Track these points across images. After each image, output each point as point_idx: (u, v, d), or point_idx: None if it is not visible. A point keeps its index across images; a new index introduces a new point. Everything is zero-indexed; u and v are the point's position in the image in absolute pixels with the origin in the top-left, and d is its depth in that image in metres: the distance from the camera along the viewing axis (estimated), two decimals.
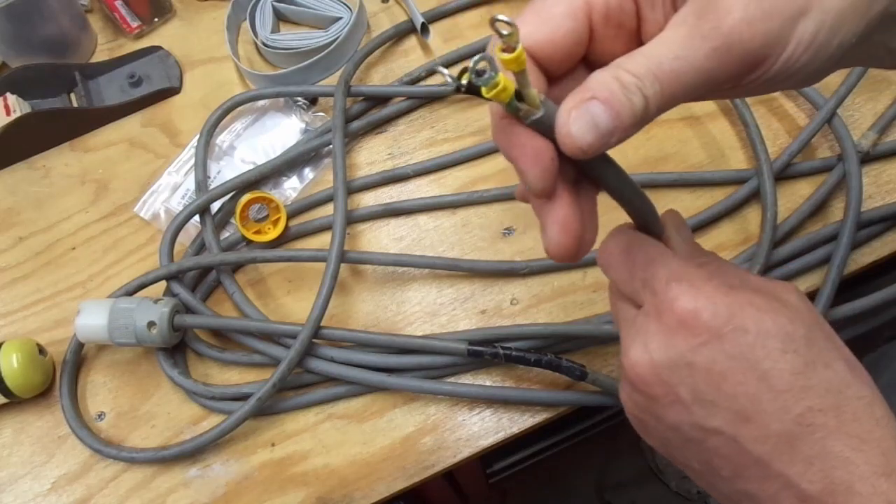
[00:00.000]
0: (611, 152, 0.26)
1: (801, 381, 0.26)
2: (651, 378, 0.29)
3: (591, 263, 0.54)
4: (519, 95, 0.24)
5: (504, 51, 0.23)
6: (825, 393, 0.27)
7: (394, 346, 0.51)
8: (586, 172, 0.28)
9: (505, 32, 0.22)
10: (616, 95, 0.24)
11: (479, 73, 0.23)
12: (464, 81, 0.23)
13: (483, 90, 0.23)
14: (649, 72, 0.24)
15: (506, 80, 0.23)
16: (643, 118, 0.24)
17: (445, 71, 0.24)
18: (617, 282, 0.32)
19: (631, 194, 0.30)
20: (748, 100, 0.57)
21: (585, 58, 0.27)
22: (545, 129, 0.25)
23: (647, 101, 0.24)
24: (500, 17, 0.22)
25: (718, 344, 0.27)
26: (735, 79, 0.24)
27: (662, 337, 0.28)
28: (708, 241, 0.54)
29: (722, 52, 0.23)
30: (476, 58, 0.22)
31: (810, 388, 0.26)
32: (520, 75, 0.23)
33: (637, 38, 0.27)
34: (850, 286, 0.53)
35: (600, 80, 0.24)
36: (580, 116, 0.24)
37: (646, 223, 0.32)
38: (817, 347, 0.27)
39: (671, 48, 0.24)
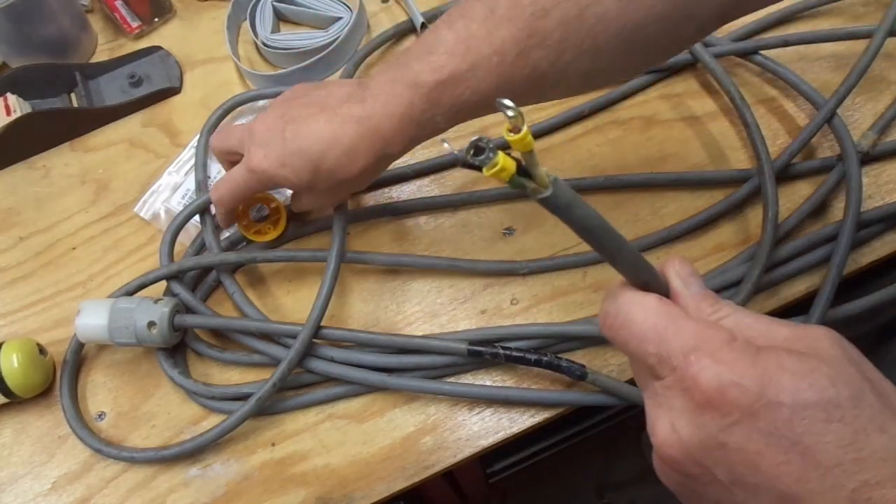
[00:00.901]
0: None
1: (851, 453, 0.23)
2: (684, 459, 0.27)
3: (591, 263, 0.54)
4: (527, 173, 0.24)
5: (510, 131, 0.23)
6: (881, 463, 0.23)
7: (394, 346, 0.51)
8: (561, 218, 0.27)
9: (510, 114, 0.23)
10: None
11: (479, 152, 0.23)
12: (464, 156, 0.24)
13: (483, 169, 0.23)
14: None
15: (505, 161, 0.23)
16: None
17: (447, 145, 0.24)
18: (627, 353, 0.29)
19: (609, 243, 0.28)
20: (748, 99, 0.57)
21: None
22: (553, 207, 0.25)
23: None
24: (505, 101, 0.23)
25: (752, 422, 0.24)
26: None
27: (690, 416, 0.26)
28: (708, 241, 0.54)
29: None
30: (473, 140, 0.23)
31: (863, 460, 0.23)
32: (527, 155, 0.24)
33: None
34: (850, 286, 0.53)
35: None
36: None
37: (643, 281, 0.30)
38: (868, 408, 0.24)
39: None
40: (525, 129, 0.23)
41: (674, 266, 0.31)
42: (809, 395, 0.24)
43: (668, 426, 0.27)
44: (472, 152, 0.23)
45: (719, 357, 0.25)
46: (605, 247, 0.28)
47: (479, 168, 0.23)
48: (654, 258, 0.54)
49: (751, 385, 0.24)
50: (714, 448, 0.25)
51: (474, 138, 0.23)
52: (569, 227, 0.26)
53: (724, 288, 0.51)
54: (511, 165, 0.24)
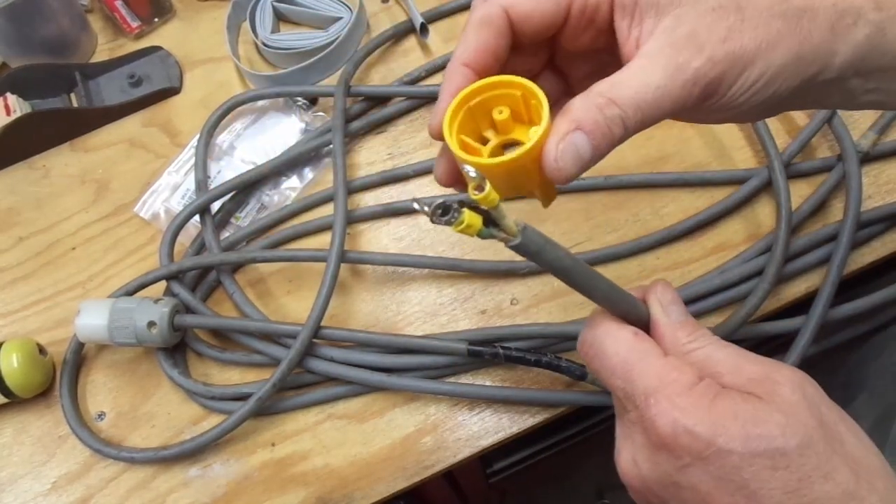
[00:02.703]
0: (611, 153, 0.27)
1: (795, 499, 0.25)
2: (643, 490, 0.29)
3: (591, 263, 0.54)
4: (495, 223, 0.26)
5: (475, 189, 0.24)
6: None
7: (394, 346, 0.51)
8: (534, 261, 0.28)
9: (473, 175, 0.24)
10: (600, 127, 0.25)
11: (445, 212, 0.25)
12: (431, 216, 0.25)
13: (451, 227, 0.25)
14: (633, 102, 0.25)
15: (471, 217, 0.25)
16: (618, 144, 0.26)
17: (416, 205, 0.25)
18: (602, 382, 0.31)
19: (582, 281, 0.29)
20: None
21: (554, 40, 0.29)
22: (524, 253, 0.26)
23: (626, 130, 0.26)
24: (467, 167, 0.24)
25: (703, 465, 0.26)
26: (692, 108, 0.26)
27: (648, 452, 0.28)
28: (708, 240, 0.54)
29: (690, 84, 0.26)
30: (436, 203, 0.24)
31: None
32: (494, 210, 0.25)
33: (603, 38, 0.28)
34: (850, 286, 0.53)
35: (584, 110, 0.25)
36: (567, 149, 0.25)
37: (622, 311, 0.31)
38: (814, 457, 0.25)
39: (652, 79, 0.25)
40: (488, 187, 0.24)
41: (656, 292, 0.32)
42: (758, 445, 0.25)
43: (630, 458, 0.29)
44: (438, 212, 0.25)
45: (677, 402, 0.27)
46: (580, 284, 0.29)
47: (447, 225, 0.25)
48: (653, 258, 0.54)
49: (703, 432, 0.26)
50: (669, 485, 0.27)
51: (439, 200, 0.25)
52: (542, 268, 0.28)
53: (738, 283, 0.51)
54: (477, 221, 0.25)
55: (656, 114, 0.26)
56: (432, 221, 0.25)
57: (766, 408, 0.26)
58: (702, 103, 0.27)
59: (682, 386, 0.27)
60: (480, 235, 0.25)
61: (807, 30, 0.26)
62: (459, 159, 0.26)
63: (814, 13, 0.26)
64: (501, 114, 0.28)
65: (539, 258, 0.27)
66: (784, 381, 0.27)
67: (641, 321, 0.31)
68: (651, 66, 0.26)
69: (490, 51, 0.28)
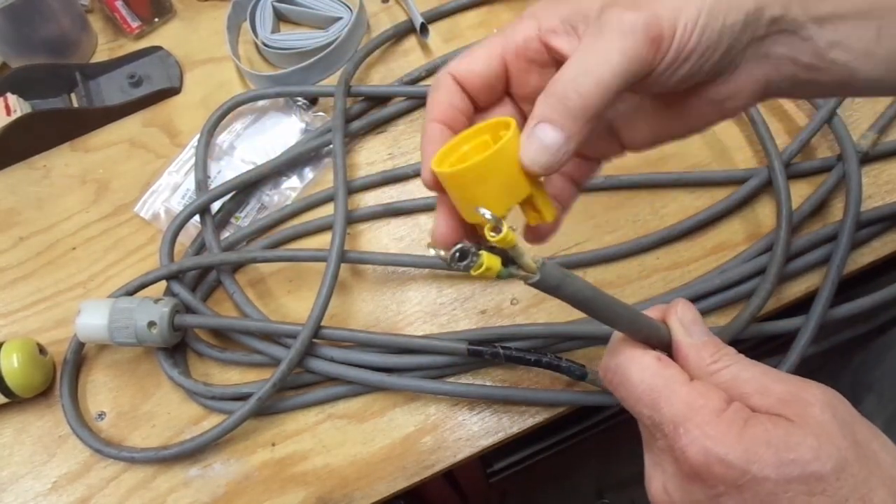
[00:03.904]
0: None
1: None
2: None
3: (591, 263, 0.54)
4: (514, 262, 0.26)
5: (492, 231, 0.25)
6: None
7: (394, 346, 0.51)
8: (554, 296, 0.28)
9: (488, 217, 0.25)
10: (556, 109, 0.26)
11: (463, 257, 0.25)
12: (448, 262, 0.25)
13: (471, 271, 0.25)
14: (581, 71, 0.26)
15: (490, 260, 0.25)
16: (584, 117, 0.26)
17: (433, 252, 0.26)
18: (628, 409, 0.30)
19: (603, 311, 0.29)
20: None
21: (509, 91, 0.31)
22: (544, 289, 0.26)
23: (584, 98, 0.26)
24: (482, 210, 0.25)
25: (737, 494, 0.25)
26: (645, 64, 0.27)
27: (679, 482, 0.27)
28: (708, 240, 0.54)
29: (631, 36, 0.26)
30: (455, 249, 0.25)
31: None
32: (512, 249, 0.25)
33: (551, 72, 0.29)
34: (850, 286, 0.53)
35: (541, 103, 0.27)
36: (530, 142, 0.26)
37: (644, 336, 0.30)
38: (851, 479, 0.25)
39: (597, 44, 0.26)
40: (505, 228, 0.24)
41: (676, 312, 0.31)
42: (792, 470, 0.25)
43: (661, 487, 0.28)
44: (457, 257, 0.25)
45: (707, 431, 0.26)
46: (601, 314, 0.29)
47: (465, 270, 0.25)
48: (653, 258, 0.54)
49: (736, 460, 0.25)
50: None
51: (457, 245, 0.25)
52: (564, 301, 0.28)
53: (738, 283, 0.51)
54: (496, 263, 0.25)
55: (609, 76, 0.26)
56: (450, 267, 0.25)
57: (798, 431, 0.26)
58: (654, 56, 0.27)
59: (711, 412, 0.27)
60: (500, 276, 0.25)
61: None
62: (444, 176, 0.27)
63: None
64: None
65: (559, 292, 0.27)
66: (814, 400, 0.27)
67: (663, 343, 0.31)
68: (592, 40, 0.27)
69: (454, 107, 0.30)
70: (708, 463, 0.26)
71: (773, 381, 0.28)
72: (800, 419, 0.26)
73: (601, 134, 0.33)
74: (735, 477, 0.25)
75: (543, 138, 0.26)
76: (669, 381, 0.28)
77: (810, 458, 0.25)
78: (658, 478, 0.28)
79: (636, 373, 0.29)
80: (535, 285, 0.26)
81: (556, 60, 0.29)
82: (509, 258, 0.26)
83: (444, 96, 0.30)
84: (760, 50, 0.29)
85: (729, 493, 0.26)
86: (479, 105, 0.31)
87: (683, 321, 0.31)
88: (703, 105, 0.30)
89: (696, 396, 0.27)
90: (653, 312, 0.32)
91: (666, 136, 0.32)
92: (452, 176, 0.27)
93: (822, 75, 0.29)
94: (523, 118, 0.32)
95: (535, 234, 0.32)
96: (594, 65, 0.26)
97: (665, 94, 0.30)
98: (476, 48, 0.30)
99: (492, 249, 0.25)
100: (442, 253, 0.25)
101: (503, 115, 0.32)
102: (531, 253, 0.26)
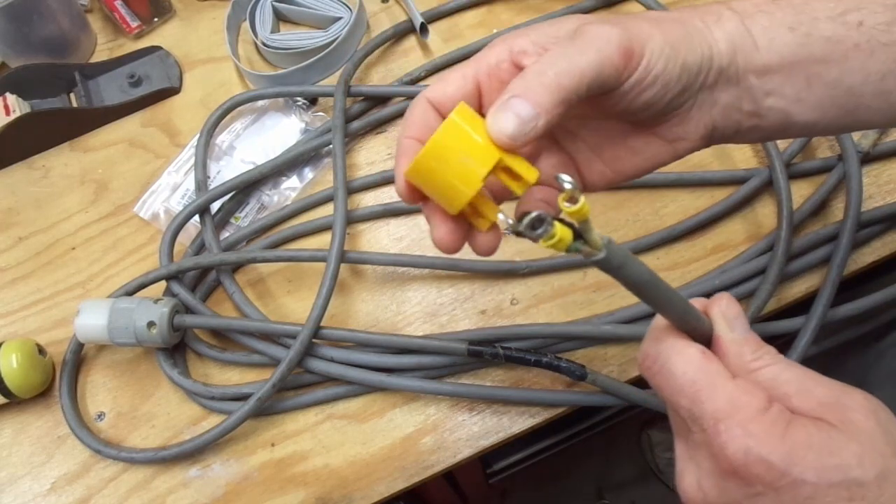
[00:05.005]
0: None
1: None
2: None
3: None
4: (582, 237, 0.25)
5: (567, 201, 0.24)
6: None
7: (394, 346, 0.51)
8: (613, 276, 0.28)
9: (568, 186, 0.24)
10: (528, 86, 0.27)
11: (534, 227, 0.24)
12: (521, 229, 0.25)
13: (540, 241, 0.24)
14: (551, 62, 0.28)
15: (562, 231, 0.24)
16: (557, 96, 0.27)
17: (502, 216, 0.25)
18: (662, 398, 0.30)
19: (658, 296, 0.28)
20: None
21: (482, 112, 0.31)
22: (606, 268, 0.26)
23: (558, 78, 0.27)
24: (563, 176, 0.24)
25: (775, 495, 0.25)
26: (615, 71, 0.28)
27: (715, 479, 0.27)
28: (708, 241, 0.54)
29: (605, 40, 0.28)
30: (532, 216, 0.24)
31: None
32: (583, 224, 0.24)
33: None
34: (850, 286, 0.53)
35: (512, 83, 0.28)
36: (500, 112, 0.27)
37: (689, 327, 0.30)
38: (892, 488, 0.25)
39: (563, 49, 0.28)
40: (582, 199, 0.24)
41: (720, 306, 0.31)
42: (834, 475, 0.24)
43: (694, 482, 0.28)
44: (530, 226, 0.24)
45: (749, 429, 0.26)
46: (655, 299, 0.28)
47: (535, 240, 0.25)
48: (653, 258, 0.54)
49: (777, 461, 0.25)
50: None
51: (534, 213, 0.24)
52: (620, 283, 0.27)
53: (738, 283, 0.51)
54: (568, 235, 0.25)
55: (584, 65, 0.27)
56: (518, 234, 0.25)
57: (841, 436, 0.25)
58: (625, 66, 0.28)
59: (753, 411, 0.26)
60: (568, 250, 0.25)
61: (682, 20, 0.31)
62: (411, 174, 0.27)
63: (682, 17, 0.31)
64: None
65: (620, 273, 0.26)
66: (857, 406, 0.26)
67: (704, 336, 0.30)
68: (569, 42, 0.29)
69: (428, 126, 0.30)
70: (748, 462, 0.25)
71: (814, 384, 0.28)
72: (843, 424, 0.26)
73: (563, 167, 0.34)
74: (774, 478, 0.25)
75: (515, 108, 0.27)
76: (713, 376, 0.28)
77: (853, 464, 0.25)
78: (691, 472, 0.28)
79: (679, 364, 0.28)
80: (598, 263, 0.25)
81: None
82: (578, 232, 0.25)
83: (418, 116, 0.30)
84: (710, 96, 0.31)
85: (766, 493, 0.25)
86: None
87: (727, 315, 0.30)
88: (657, 143, 0.32)
89: (739, 394, 0.27)
90: (694, 304, 0.32)
91: (620, 174, 0.34)
92: (417, 169, 0.27)
93: (763, 121, 0.32)
94: None
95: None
96: (571, 55, 0.28)
97: (625, 124, 0.32)
98: (449, 72, 0.31)
99: (562, 221, 0.25)
100: (511, 221, 0.25)
101: None
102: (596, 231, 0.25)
